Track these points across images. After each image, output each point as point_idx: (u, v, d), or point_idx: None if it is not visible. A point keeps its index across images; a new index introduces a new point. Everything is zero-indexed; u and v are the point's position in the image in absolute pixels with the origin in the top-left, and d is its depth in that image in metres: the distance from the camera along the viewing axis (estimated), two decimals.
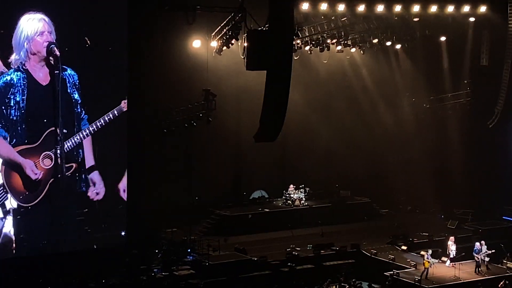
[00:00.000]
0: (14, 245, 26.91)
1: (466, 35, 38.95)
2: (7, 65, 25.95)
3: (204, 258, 30.18)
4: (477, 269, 29.90)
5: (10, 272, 26.31)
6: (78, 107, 27.52)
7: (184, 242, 31.94)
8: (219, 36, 32.57)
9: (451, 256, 30.39)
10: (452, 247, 30.56)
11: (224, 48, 32.74)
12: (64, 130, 26.58)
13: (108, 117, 27.38)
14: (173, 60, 33.58)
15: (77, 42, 27.15)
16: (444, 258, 30.52)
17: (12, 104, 26.04)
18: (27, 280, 26.32)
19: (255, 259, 30.63)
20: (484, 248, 30.14)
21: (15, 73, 25.94)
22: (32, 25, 25.56)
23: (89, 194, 28.34)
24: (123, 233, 29.40)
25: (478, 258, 29.94)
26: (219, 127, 35.89)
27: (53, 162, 26.41)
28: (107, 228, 28.97)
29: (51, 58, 24.83)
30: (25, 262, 26.85)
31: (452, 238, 31.17)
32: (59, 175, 26.18)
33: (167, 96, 33.44)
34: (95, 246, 28.65)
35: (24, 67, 25.91)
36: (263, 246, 33.35)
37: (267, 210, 37.17)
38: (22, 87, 26.07)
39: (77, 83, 27.31)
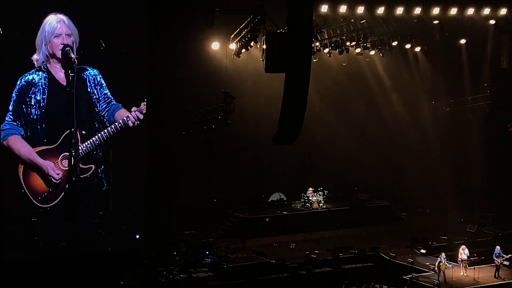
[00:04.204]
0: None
1: (486, 37, 38.75)
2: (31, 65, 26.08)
3: (222, 261, 30.22)
4: (496, 273, 29.70)
5: (27, 274, 26.35)
6: (98, 106, 27.52)
7: (203, 244, 31.96)
8: (238, 38, 32.59)
9: (465, 263, 30.02)
10: (463, 255, 30.07)
11: (243, 50, 32.74)
12: (83, 132, 26.65)
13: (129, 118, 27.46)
14: (192, 63, 33.63)
15: (96, 44, 27.16)
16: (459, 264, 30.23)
17: (32, 103, 26.07)
18: (44, 282, 26.41)
19: (273, 261, 30.60)
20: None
21: (37, 72, 26.02)
22: (50, 27, 25.63)
23: None
24: (137, 236, 29.29)
25: (498, 262, 29.74)
26: (238, 130, 35.92)
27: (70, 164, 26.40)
28: (123, 231, 28.88)
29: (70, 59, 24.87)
30: (42, 264, 26.89)
31: (463, 246, 30.69)
32: (73, 178, 26.13)
33: (186, 98, 33.55)
34: (109, 249, 28.60)
35: (45, 67, 26.02)
36: (281, 248, 33.36)
37: (285, 212, 37.17)
38: (43, 86, 26.12)
39: (100, 82, 27.31)
